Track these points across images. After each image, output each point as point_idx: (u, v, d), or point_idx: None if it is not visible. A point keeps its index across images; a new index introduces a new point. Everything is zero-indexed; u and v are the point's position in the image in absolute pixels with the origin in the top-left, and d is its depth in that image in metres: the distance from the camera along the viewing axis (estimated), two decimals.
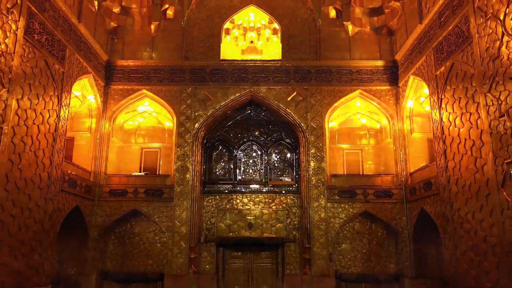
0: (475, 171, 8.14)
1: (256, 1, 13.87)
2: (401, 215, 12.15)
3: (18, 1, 8.15)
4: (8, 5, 7.81)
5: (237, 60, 13.74)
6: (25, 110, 8.46)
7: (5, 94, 7.70)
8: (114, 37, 13.39)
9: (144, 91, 13.07)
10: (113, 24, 13.07)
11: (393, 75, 13.00)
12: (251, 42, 14.68)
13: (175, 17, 13.58)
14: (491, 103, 7.52)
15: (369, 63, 13.16)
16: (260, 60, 13.80)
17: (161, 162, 13.93)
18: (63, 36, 10.15)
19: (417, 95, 12.19)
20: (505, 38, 7.07)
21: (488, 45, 7.64)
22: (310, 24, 13.64)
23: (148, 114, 14.11)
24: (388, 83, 13.01)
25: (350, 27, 13.34)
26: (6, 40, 7.74)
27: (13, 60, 7.94)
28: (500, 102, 7.23)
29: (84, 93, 12.22)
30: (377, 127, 14.12)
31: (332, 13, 13.53)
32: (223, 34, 13.90)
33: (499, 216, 7.22)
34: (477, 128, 8.05)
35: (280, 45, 13.63)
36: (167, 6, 13.25)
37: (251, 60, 13.74)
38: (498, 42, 7.30)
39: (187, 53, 13.39)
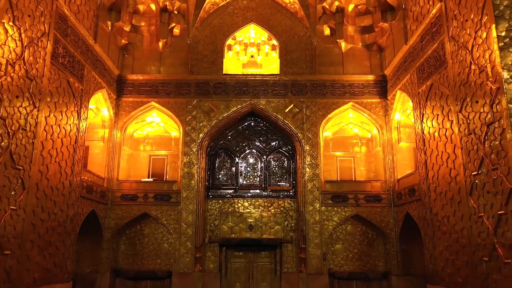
0: (449, 180, 9.18)
1: (256, 20, 14.91)
2: (389, 218, 13.16)
3: (46, 30, 9.22)
4: (39, 35, 8.88)
5: (238, 74, 14.77)
6: (51, 126, 9.52)
7: (35, 113, 8.77)
8: (125, 53, 14.46)
9: (153, 103, 14.09)
10: (124, 41, 14.08)
11: (382, 89, 14.02)
12: (252, 56, 15.71)
13: (181, 35, 14.63)
14: (462, 122, 8.57)
15: (360, 77, 14.16)
16: (260, 74, 14.75)
17: (168, 169, 14.97)
18: (81, 57, 11.21)
19: (404, 108, 13.13)
20: (473, 67, 8.11)
21: (459, 70, 8.69)
22: (306, 41, 14.66)
23: (156, 124, 15.14)
24: (378, 96, 14.02)
25: (343, 44, 14.36)
26: (37, 66, 8.82)
27: (42, 82, 9.01)
28: (468, 122, 8.28)
29: (98, 106, 13.24)
30: (368, 136, 15.13)
31: (327, 31, 14.57)
32: (226, 50, 14.91)
33: (468, 221, 8.27)
34: (451, 142, 9.08)
35: (279, 60, 14.65)
36: (174, 24, 14.30)
37: (251, 74, 14.70)
38: (467, 69, 8.34)
39: (192, 67, 14.42)
